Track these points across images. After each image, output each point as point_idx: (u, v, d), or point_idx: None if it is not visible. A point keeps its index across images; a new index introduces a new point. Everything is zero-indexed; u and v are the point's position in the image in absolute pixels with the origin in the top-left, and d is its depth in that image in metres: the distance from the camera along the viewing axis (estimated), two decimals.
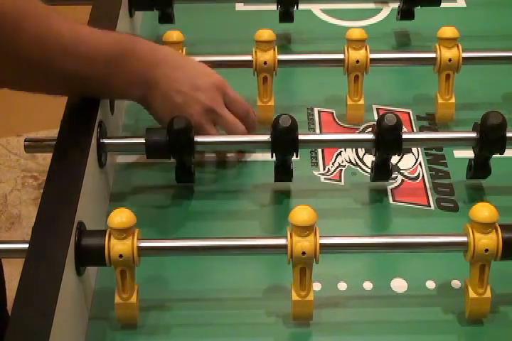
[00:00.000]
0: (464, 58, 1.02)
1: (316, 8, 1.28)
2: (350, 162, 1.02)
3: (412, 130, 1.06)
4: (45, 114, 1.65)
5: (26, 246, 0.76)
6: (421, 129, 1.06)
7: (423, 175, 0.99)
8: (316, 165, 1.01)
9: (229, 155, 1.02)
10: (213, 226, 0.94)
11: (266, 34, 1.03)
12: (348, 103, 1.04)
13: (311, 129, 1.06)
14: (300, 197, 0.97)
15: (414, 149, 1.03)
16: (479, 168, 0.95)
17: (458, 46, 1.02)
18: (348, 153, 1.03)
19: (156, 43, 0.98)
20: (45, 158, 2.15)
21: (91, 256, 0.79)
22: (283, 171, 0.94)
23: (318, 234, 0.78)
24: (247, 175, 1.00)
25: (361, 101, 1.04)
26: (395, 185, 0.98)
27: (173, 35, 1.05)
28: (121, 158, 1.02)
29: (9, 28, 0.79)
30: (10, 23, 0.79)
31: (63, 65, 0.86)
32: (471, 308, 0.81)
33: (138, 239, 0.78)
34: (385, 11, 1.27)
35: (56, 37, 0.84)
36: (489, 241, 0.78)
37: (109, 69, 0.90)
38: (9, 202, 2.16)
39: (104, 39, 0.89)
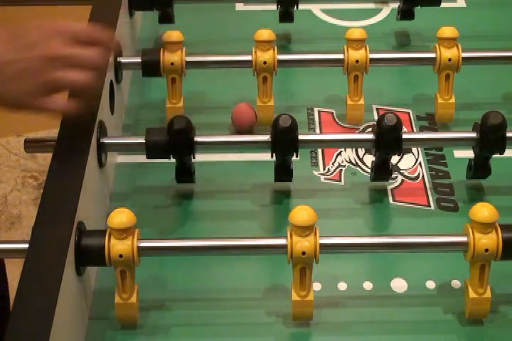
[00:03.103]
0: (464, 58, 1.02)
1: (316, 8, 1.28)
2: (350, 162, 1.02)
3: (412, 130, 1.06)
4: None
5: (26, 246, 0.76)
6: (421, 129, 1.06)
7: (423, 175, 0.99)
8: (316, 165, 1.01)
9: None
10: (213, 226, 0.94)
11: (266, 34, 1.03)
12: (348, 103, 1.04)
13: (311, 129, 1.06)
14: (300, 197, 0.97)
15: (414, 149, 1.03)
16: (479, 168, 0.95)
17: (457, 46, 1.02)
18: (348, 153, 1.03)
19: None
20: (45, 158, 2.15)
21: (91, 256, 0.79)
22: (283, 171, 0.94)
23: (318, 234, 0.78)
24: (247, 175, 1.00)
25: (361, 101, 1.04)
26: (395, 185, 0.98)
27: (173, 35, 1.05)
28: (121, 158, 1.02)
29: None
30: None
31: None
32: (471, 308, 0.81)
33: (138, 239, 0.78)
34: (385, 11, 1.27)
35: None
36: (489, 241, 0.78)
37: None
38: (9, 202, 2.16)
39: None
